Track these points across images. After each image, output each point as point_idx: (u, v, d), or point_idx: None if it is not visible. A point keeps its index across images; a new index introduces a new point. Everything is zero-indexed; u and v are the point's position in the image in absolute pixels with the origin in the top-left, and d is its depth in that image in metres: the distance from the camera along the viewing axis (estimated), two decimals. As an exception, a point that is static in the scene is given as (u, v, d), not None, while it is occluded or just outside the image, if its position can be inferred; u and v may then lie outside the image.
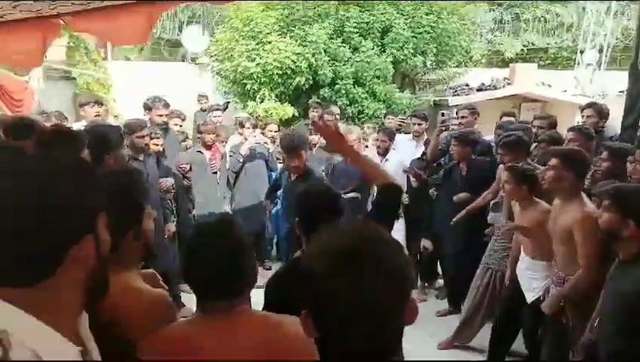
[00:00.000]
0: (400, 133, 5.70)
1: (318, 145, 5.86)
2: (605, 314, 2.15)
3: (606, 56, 11.34)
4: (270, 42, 7.50)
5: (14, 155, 0.85)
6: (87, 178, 0.85)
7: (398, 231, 4.86)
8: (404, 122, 5.82)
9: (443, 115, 5.05)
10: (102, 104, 4.91)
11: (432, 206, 4.70)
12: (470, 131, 4.58)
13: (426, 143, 5.13)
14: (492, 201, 4.05)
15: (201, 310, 1.36)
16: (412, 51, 8.09)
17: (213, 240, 1.34)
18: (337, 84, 7.66)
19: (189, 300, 1.61)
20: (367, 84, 7.81)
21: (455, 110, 6.06)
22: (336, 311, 0.80)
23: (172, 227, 4.33)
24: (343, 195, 5.03)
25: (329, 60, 7.61)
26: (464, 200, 4.25)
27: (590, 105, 4.47)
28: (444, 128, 4.80)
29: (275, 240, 5.87)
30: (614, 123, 4.40)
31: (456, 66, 9.50)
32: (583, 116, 4.34)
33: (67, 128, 3.39)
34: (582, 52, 11.71)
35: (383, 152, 4.98)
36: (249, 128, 5.38)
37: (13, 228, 0.74)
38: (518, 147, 3.75)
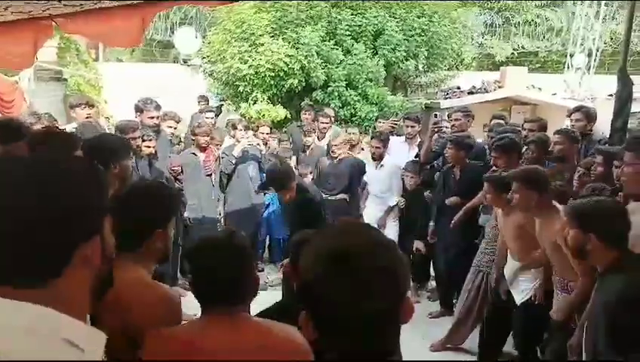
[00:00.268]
0: (393, 135, 5.72)
1: (311, 147, 5.88)
2: (590, 321, 2.17)
3: (595, 60, 11.49)
4: (263, 44, 7.50)
5: (27, 158, 0.85)
6: (96, 180, 0.86)
7: (392, 233, 4.89)
8: (396, 124, 5.84)
9: (436, 116, 5.07)
10: (93, 105, 4.87)
11: (426, 209, 4.73)
12: (466, 135, 4.62)
13: (419, 146, 5.16)
14: (482, 204, 4.08)
15: (204, 314, 1.45)
16: (404, 54, 8.13)
17: (217, 252, 1.44)
18: (330, 86, 7.68)
19: (183, 301, 1.66)
20: (360, 86, 7.83)
21: (447, 113, 6.10)
22: (334, 312, 0.80)
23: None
24: (330, 197, 5.11)
25: (321, 63, 7.63)
26: (456, 204, 4.28)
27: (579, 108, 4.52)
28: (436, 130, 4.82)
29: (267, 243, 5.87)
30: (603, 126, 4.45)
31: (448, 69, 9.56)
32: (571, 119, 4.39)
33: (59, 129, 3.38)
34: (571, 56, 11.85)
35: (378, 157, 5.00)
36: (241, 130, 5.37)
37: (23, 227, 0.73)
38: (511, 150, 3.80)
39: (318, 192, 3.73)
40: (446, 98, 9.08)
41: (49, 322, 0.75)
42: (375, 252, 0.83)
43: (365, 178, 5.18)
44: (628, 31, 4.15)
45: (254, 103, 7.62)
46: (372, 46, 8.13)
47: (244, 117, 7.14)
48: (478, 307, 3.80)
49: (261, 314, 1.91)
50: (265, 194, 5.43)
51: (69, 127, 4.48)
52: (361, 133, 6.29)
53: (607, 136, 4.02)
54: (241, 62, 7.54)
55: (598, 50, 11.52)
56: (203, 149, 4.94)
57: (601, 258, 2.05)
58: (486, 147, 4.81)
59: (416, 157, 4.97)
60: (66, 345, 0.74)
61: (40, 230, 0.74)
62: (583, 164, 3.40)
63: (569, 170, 3.56)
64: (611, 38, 12.57)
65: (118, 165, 2.41)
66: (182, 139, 5.67)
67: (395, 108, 7.89)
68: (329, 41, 7.81)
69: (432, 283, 5.04)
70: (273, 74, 7.48)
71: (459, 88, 9.48)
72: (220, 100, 8.77)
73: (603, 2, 11.51)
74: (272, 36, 7.69)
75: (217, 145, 5.29)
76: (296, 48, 7.54)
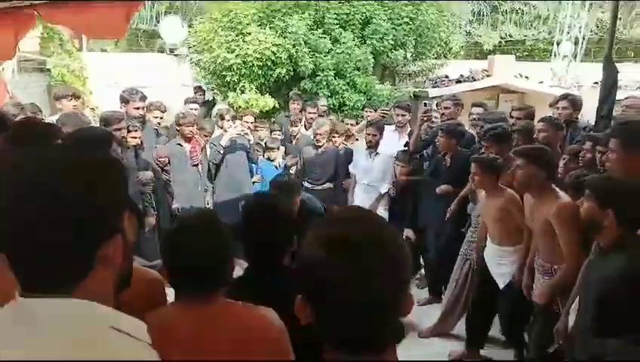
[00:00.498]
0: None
1: (297, 136, 5.88)
2: (584, 302, 2.18)
3: (581, 48, 11.56)
4: (250, 33, 7.43)
5: (40, 153, 0.81)
6: (116, 174, 0.84)
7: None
8: (387, 113, 5.84)
9: (425, 105, 5.08)
10: (79, 97, 4.80)
11: (417, 197, 4.75)
12: (457, 123, 4.63)
13: (410, 134, 5.17)
14: (470, 192, 4.12)
15: (177, 300, 1.42)
16: (392, 43, 8.11)
17: (192, 233, 1.41)
18: (318, 75, 7.65)
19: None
20: (348, 75, 7.81)
21: (435, 101, 6.12)
22: (334, 297, 0.80)
23: (152, 220, 4.30)
24: (317, 187, 5.12)
25: (309, 52, 7.59)
26: (447, 193, 4.31)
27: (565, 96, 4.56)
28: (426, 119, 4.83)
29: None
30: (589, 114, 4.49)
31: (436, 58, 9.57)
32: (557, 107, 4.43)
33: (39, 120, 3.33)
34: (558, 44, 11.92)
35: (374, 145, 4.98)
36: (229, 121, 5.34)
37: (42, 230, 0.71)
38: (503, 139, 3.83)
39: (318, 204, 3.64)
40: (434, 87, 9.09)
41: (92, 312, 0.74)
42: (378, 239, 0.82)
43: (353, 168, 5.17)
44: (613, 19, 4.18)
45: (242, 93, 7.56)
46: (360, 35, 8.10)
47: (233, 107, 7.09)
48: (465, 295, 3.85)
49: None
50: (254, 183, 5.42)
51: (52, 119, 4.42)
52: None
53: (593, 123, 4.07)
54: (228, 52, 7.47)
55: (584, 38, 11.60)
56: (188, 140, 4.91)
57: (613, 235, 2.08)
58: (475, 134, 4.84)
59: (405, 145, 4.98)
60: (114, 332, 0.74)
61: (60, 232, 0.72)
62: (568, 151, 3.44)
63: (554, 158, 3.60)
64: (597, 26, 12.66)
65: None
66: (167, 129, 5.60)
67: (384, 97, 7.89)
68: (317, 30, 7.77)
69: (422, 272, 5.08)
70: (261, 63, 7.42)
71: (447, 77, 9.50)
72: (213, 92, 8.69)
73: (589, -10, 11.57)
74: (260, 25, 7.63)
75: (206, 136, 5.24)
76: (284, 37, 7.49)
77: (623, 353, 1.82)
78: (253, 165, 5.48)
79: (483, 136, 3.98)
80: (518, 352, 3.56)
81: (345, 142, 5.43)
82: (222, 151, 5.13)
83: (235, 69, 7.51)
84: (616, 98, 4.03)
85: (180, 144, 4.92)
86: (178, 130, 4.94)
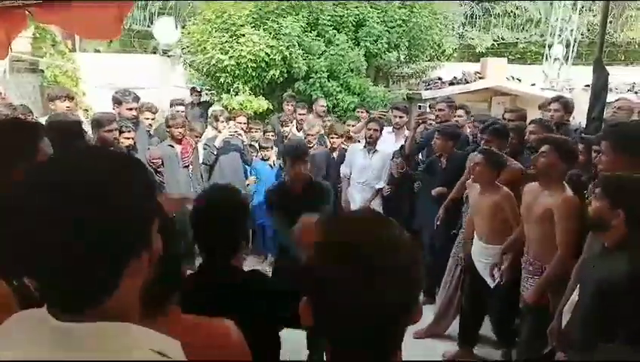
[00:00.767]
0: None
1: (289, 137, 5.89)
2: (584, 301, 2.17)
3: (572, 51, 11.66)
4: (244, 35, 7.43)
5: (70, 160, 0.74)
6: (146, 183, 0.76)
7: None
8: (385, 114, 5.84)
9: (420, 107, 5.10)
10: (73, 98, 4.78)
11: (413, 199, 4.76)
12: (454, 125, 4.66)
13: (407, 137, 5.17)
14: (465, 193, 4.13)
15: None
16: (385, 45, 8.14)
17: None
18: (311, 77, 7.66)
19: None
20: (342, 77, 7.83)
21: (428, 103, 6.14)
22: (338, 299, 0.78)
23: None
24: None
25: (303, 53, 7.60)
26: (442, 194, 4.33)
27: (557, 99, 4.59)
28: (421, 121, 4.85)
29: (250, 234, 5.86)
30: (581, 116, 4.53)
31: (429, 60, 9.61)
32: (549, 109, 4.46)
33: (24, 119, 3.30)
34: (550, 47, 12.00)
35: (374, 142, 4.97)
36: (223, 122, 5.34)
37: (73, 243, 0.65)
38: (503, 134, 3.89)
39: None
40: (427, 89, 9.13)
41: (130, 335, 0.71)
42: (388, 242, 0.81)
43: (346, 168, 5.16)
44: (603, 22, 4.22)
45: (236, 94, 7.56)
46: (354, 37, 8.12)
47: (226, 108, 7.08)
48: (458, 297, 3.87)
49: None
50: (248, 185, 5.41)
51: (43, 120, 4.39)
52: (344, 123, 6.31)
53: (584, 125, 4.11)
54: (222, 53, 7.47)
55: (575, 41, 11.70)
56: (179, 141, 4.90)
57: (619, 235, 2.06)
58: (470, 136, 4.88)
59: (401, 148, 5.00)
60: (157, 356, 0.71)
61: (86, 246, 0.66)
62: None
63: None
64: (588, 29, 12.76)
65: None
66: (156, 130, 5.56)
67: (377, 98, 7.91)
68: (311, 32, 7.78)
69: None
70: (255, 65, 7.43)
71: (440, 79, 9.54)
72: (208, 93, 8.68)
73: (580, -6, 11.68)
74: (253, 26, 7.63)
75: (197, 136, 5.24)
76: (278, 39, 7.50)
77: (619, 353, 1.82)
78: (247, 166, 5.48)
79: (483, 131, 4.02)
80: (508, 351, 3.59)
81: (345, 143, 5.44)
82: (215, 153, 5.12)
83: (228, 70, 7.50)
84: (607, 100, 4.07)
85: (171, 145, 4.91)
86: (168, 132, 4.93)
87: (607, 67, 4.02)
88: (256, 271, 1.93)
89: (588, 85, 4.15)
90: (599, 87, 3.91)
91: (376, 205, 5.03)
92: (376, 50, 8.10)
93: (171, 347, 0.75)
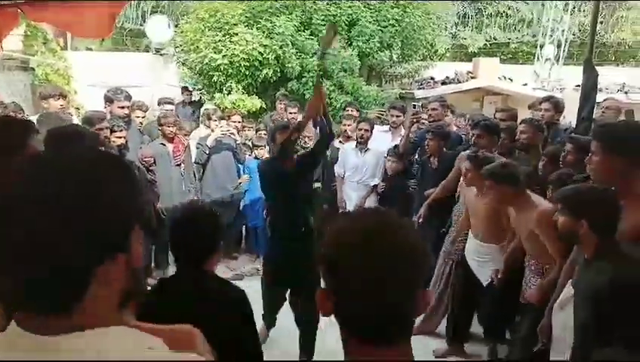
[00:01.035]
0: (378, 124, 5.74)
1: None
2: (576, 310, 2.18)
3: (564, 51, 11.74)
4: (237, 33, 7.42)
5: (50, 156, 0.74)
6: (128, 181, 0.74)
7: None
8: (382, 114, 5.86)
9: (415, 107, 5.13)
10: (66, 96, 4.75)
11: (407, 197, 4.78)
12: (445, 125, 4.69)
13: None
14: (458, 192, 4.15)
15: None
16: (378, 45, 8.16)
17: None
18: (305, 76, 7.67)
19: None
20: (335, 77, 7.84)
21: (421, 103, 6.17)
22: (355, 287, 0.84)
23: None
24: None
25: (296, 53, 7.60)
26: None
27: (548, 98, 4.63)
28: (415, 121, 4.87)
29: (243, 233, 5.87)
30: (571, 116, 4.57)
31: (422, 60, 9.65)
32: (540, 109, 4.50)
33: (13, 117, 3.28)
34: (541, 47, 12.08)
35: (365, 141, 5.00)
36: (216, 121, 5.33)
37: (42, 243, 0.64)
38: (493, 131, 3.94)
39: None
40: (420, 88, 9.17)
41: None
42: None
43: (340, 167, 5.19)
44: (593, 23, 4.26)
45: (229, 93, 7.55)
46: (347, 36, 8.13)
47: (219, 107, 7.07)
48: (447, 295, 3.90)
49: None
50: (240, 183, 5.41)
51: (34, 118, 4.37)
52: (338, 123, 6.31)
53: (574, 125, 4.14)
54: (215, 52, 7.46)
55: (566, 42, 11.78)
56: (170, 140, 4.89)
57: (590, 244, 2.09)
58: (463, 136, 4.91)
59: (395, 147, 5.02)
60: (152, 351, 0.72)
61: (61, 246, 0.65)
62: (547, 153, 3.50)
63: (534, 158, 3.67)
64: (580, 30, 12.86)
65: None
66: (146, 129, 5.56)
67: (370, 98, 7.93)
68: (304, 31, 7.78)
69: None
70: (248, 64, 7.42)
71: (432, 79, 9.59)
72: (199, 92, 8.66)
73: (571, -6, 11.77)
74: (247, 25, 7.62)
75: (186, 135, 5.25)
76: (271, 38, 7.50)
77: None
78: (240, 165, 5.48)
79: (474, 127, 4.05)
80: (495, 347, 3.63)
81: (342, 142, 5.45)
82: (207, 152, 5.11)
83: (222, 69, 7.49)
84: (597, 100, 4.11)
85: (163, 144, 4.91)
86: (160, 130, 4.92)
87: (598, 67, 4.06)
88: (225, 281, 2.02)
89: (579, 85, 4.19)
90: (589, 88, 3.94)
91: (372, 202, 5.07)
92: (368, 50, 8.12)
93: (159, 344, 0.75)
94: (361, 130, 5.01)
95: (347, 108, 6.30)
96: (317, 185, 5.23)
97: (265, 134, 5.92)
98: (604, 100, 4.89)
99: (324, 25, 7.93)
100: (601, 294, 1.96)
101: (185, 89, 8.05)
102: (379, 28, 8.20)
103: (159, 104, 6.26)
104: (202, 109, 6.86)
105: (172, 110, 6.02)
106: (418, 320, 4.06)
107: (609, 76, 9.58)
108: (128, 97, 4.86)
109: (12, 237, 0.64)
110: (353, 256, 0.84)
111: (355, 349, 0.89)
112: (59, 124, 3.49)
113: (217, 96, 7.61)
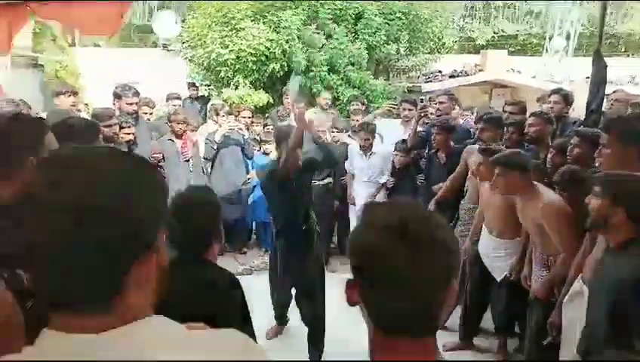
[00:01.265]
0: (391, 117, 5.73)
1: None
2: (593, 301, 2.15)
3: (573, 42, 11.61)
4: (243, 28, 7.41)
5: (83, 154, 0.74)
6: (158, 185, 0.77)
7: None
8: (394, 107, 5.85)
9: (422, 100, 5.12)
10: (77, 93, 4.80)
11: (415, 191, 4.78)
12: (450, 118, 4.68)
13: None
14: (466, 187, 4.13)
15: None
16: (384, 38, 8.12)
17: None
18: (312, 71, 7.65)
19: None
20: (342, 70, 7.81)
21: (428, 96, 6.15)
22: (388, 279, 0.85)
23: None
24: (318, 182, 5.15)
25: (303, 47, 7.59)
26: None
27: (557, 91, 4.59)
28: (423, 114, 4.88)
29: (252, 228, 5.90)
30: (582, 108, 4.53)
31: (429, 53, 9.58)
32: (549, 102, 4.47)
33: (26, 115, 3.31)
34: (550, 39, 11.96)
35: (368, 148, 5.01)
36: (224, 116, 5.35)
37: (79, 243, 0.65)
38: (498, 124, 3.95)
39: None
40: (427, 81, 9.11)
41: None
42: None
43: (350, 165, 5.19)
44: (602, 14, 4.23)
45: (236, 88, 7.56)
46: (353, 30, 8.10)
47: (227, 102, 7.09)
48: (460, 290, 3.89)
49: None
50: (249, 179, 5.43)
51: (44, 115, 4.41)
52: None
53: (583, 118, 4.11)
54: (222, 47, 7.46)
55: (575, 33, 11.65)
56: (179, 136, 4.91)
57: (622, 233, 2.06)
58: (471, 130, 4.90)
59: (403, 141, 5.01)
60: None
61: (88, 248, 0.66)
62: (555, 145, 3.48)
63: (543, 151, 3.65)
64: (589, 21, 12.72)
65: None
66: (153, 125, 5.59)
67: (377, 92, 7.90)
68: (310, 25, 7.76)
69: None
70: (255, 58, 7.42)
71: (440, 72, 9.52)
72: (205, 86, 8.68)
73: (581, -15, 11.63)
74: (253, 20, 7.61)
75: (192, 130, 5.28)
76: (278, 32, 7.48)
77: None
78: (249, 161, 5.49)
79: (479, 120, 4.03)
80: (504, 342, 3.63)
81: (352, 136, 5.46)
82: (215, 147, 5.14)
83: (229, 64, 7.49)
84: (607, 92, 4.07)
85: (171, 140, 4.93)
86: (170, 126, 4.95)
87: (607, 59, 4.01)
88: (225, 271, 1.97)
89: (588, 77, 4.15)
90: (598, 80, 3.91)
91: (381, 197, 5.08)
92: (375, 43, 8.08)
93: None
94: (362, 139, 5.01)
95: (353, 103, 6.33)
96: (328, 180, 5.25)
97: (272, 129, 5.94)
98: (614, 92, 4.84)
99: (331, 19, 7.91)
100: (626, 284, 1.93)
101: (191, 85, 8.08)
102: (385, 21, 8.15)
103: (168, 99, 6.29)
104: (210, 104, 6.89)
105: (180, 105, 6.06)
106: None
107: (619, 67, 9.47)
108: (136, 93, 4.89)
109: (51, 237, 0.65)
110: (386, 249, 0.84)
111: (380, 340, 0.90)
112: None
113: (225, 92, 7.62)
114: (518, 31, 13.69)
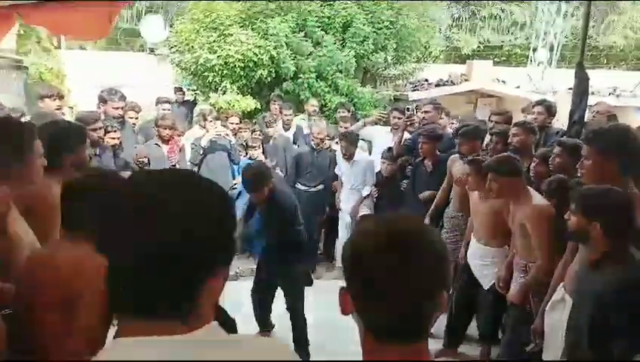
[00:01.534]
0: (380, 125, 5.77)
1: (275, 137, 5.91)
2: (575, 313, 2.18)
3: (556, 54, 11.83)
4: (232, 34, 7.41)
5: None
6: (230, 209, 0.84)
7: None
8: (384, 115, 5.90)
9: (408, 109, 5.17)
10: (63, 97, 4.73)
11: (401, 198, 4.82)
12: (437, 127, 4.73)
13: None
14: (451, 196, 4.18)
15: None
16: (372, 47, 8.19)
17: None
18: (300, 77, 7.68)
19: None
20: (330, 78, 7.85)
21: (415, 105, 6.21)
22: (379, 287, 0.87)
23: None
24: (311, 188, 5.21)
25: (291, 54, 7.61)
26: (429, 198, 4.38)
27: (540, 102, 4.67)
28: (408, 123, 4.91)
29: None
30: (565, 119, 4.61)
31: (416, 62, 9.67)
32: (533, 112, 4.54)
33: (15, 119, 3.27)
34: (534, 50, 12.16)
35: (350, 156, 5.05)
36: (211, 121, 5.34)
37: (166, 258, 0.73)
38: (473, 136, 3.99)
39: (290, 195, 3.73)
40: (414, 90, 9.20)
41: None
42: (425, 237, 0.90)
43: (337, 169, 5.28)
44: (585, 27, 4.32)
45: (224, 94, 7.55)
46: (341, 38, 8.15)
47: (214, 107, 7.07)
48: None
49: None
50: (235, 184, 5.42)
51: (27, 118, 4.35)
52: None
53: (565, 128, 4.19)
54: (209, 53, 7.45)
55: (559, 45, 11.87)
56: (165, 141, 4.89)
57: (601, 247, 2.08)
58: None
59: (389, 149, 5.06)
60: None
61: (187, 259, 0.74)
62: (538, 155, 3.54)
63: (527, 160, 3.71)
64: (572, 33, 12.97)
65: (73, 156, 2.31)
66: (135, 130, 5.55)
67: (365, 100, 7.96)
68: (299, 33, 7.79)
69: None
70: (242, 64, 7.42)
71: (426, 81, 9.62)
72: (193, 92, 8.65)
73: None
74: (242, 26, 7.63)
75: (179, 135, 5.26)
76: (266, 39, 7.50)
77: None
78: (235, 166, 5.48)
79: (455, 134, 4.10)
80: (489, 350, 3.66)
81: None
82: (202, 152, 5.12)
83: (216, 69, 7.49)
84: (589, 104, 4.16)
85: (157, 144, 4.90)
86: (157, 131, 4.92)
87: (590, 71, 4.10)
88: None
89: (571, 88, 4.23)
90: (580, 91, 3.99)
91: (368, 204, 5.12)
92: (363, 51, 8.15)
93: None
94: (342, 147, 5.06)
95: (340, 110, 6.38)
96: (322, 186, 5.31)
97: (259, 135, 5.94)
98: (596, 104, 4.94)
99: (319, 27, 7.96)
100: (604, 298, 1.95)
101: (178, 89, 8.04)
102: (373, 30, 8.22)
103: (157, 103, 6.25)
104: (198, 109, 6.86)
105: (169, 109, 6.03)
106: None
107: (600, 79, 9.66)
108: (122, 98, 4.86)
109: (140, 250, 0.73)
110: (379, 258, 0.87)
111: (370, 344, 0.92)
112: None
113: (212, 97, 7.61)
114: (503, 41, 13.91)
